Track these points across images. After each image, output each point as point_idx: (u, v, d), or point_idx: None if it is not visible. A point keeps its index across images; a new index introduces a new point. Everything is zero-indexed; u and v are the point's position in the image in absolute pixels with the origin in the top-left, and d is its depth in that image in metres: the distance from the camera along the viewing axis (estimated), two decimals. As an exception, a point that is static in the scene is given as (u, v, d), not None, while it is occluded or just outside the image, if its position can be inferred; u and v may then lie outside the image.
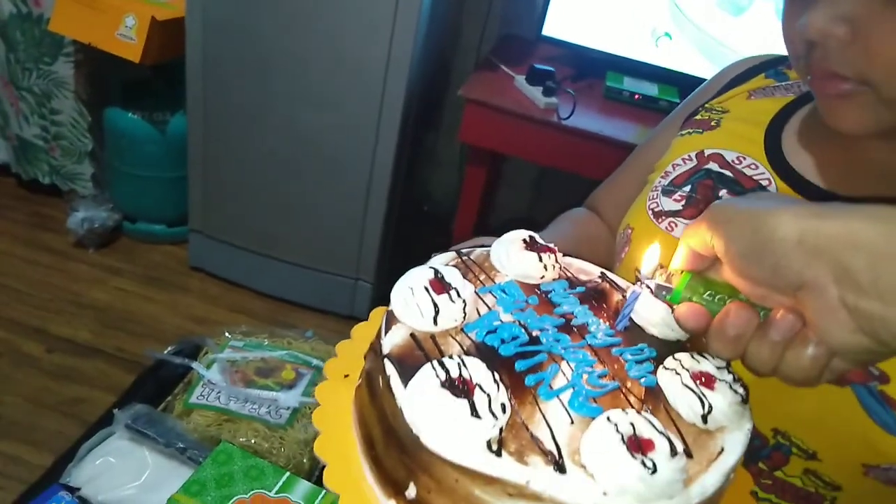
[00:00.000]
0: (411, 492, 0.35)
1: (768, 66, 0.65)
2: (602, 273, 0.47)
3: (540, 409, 0.36)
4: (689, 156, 0.61)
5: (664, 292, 0.38)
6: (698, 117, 0.64)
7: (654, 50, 1.68)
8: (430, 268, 0.41)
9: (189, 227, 1.96)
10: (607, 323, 0.42)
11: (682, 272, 0.38)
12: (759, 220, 0.33)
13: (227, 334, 1.01)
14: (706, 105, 0.65)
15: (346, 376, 0.43)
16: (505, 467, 0.33)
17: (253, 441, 0.86)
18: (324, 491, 0.69)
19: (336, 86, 1.61)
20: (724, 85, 0.65)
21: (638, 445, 0.33)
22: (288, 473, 0.69)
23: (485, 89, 1.59)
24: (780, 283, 0.33)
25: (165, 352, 0.99)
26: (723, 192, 0.56)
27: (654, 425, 0.34)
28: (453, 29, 1.97)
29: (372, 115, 1.61)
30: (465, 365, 0.35)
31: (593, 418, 0.35)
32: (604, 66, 1.71)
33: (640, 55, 1.69)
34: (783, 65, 0.63)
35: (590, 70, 1.71)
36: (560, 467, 0.33)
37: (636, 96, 1.64)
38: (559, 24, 1.70)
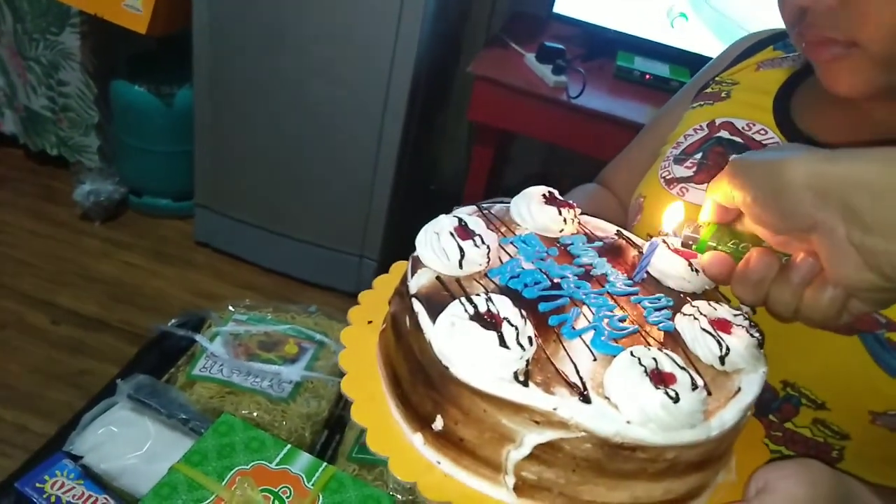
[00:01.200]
0: (438, 424, 0.37)
1: (776, 38, 0.66)
2: (618, 231, 0.49)
3: (564, 346, 0.37)
4: (701, 126, 0.62)
5: (691, 242, 0.40)
6: (709, 90, 0.65)
7: (667, 30, 1.66)
8: (455, 216, 0.42)
9: (195, 201, 1.96)
10: (625, 274, 0.44)
11: (708, 224, 0.40)
12: (773, 167, 0.35)
13: (230, 308, 1.01)
14: (716, 78, 0.65)
15: (370, 322, 0.44)
16: (532, 396, 0.34)
17: (255, 414, 0.86)
18: (324, 463, 0.69)
19: (344, 61, 1.59)
20: (734, 58, 0.66)
21: (661, 377, 0.34)
22: (289, 446, 0.69)
23: (494, 66, 1.58)
24: (795, 227, 0.35)
25: (169, 324, 0.99)
26: (733, 157, 0.56)
27: (675, 361, 0.35)
28: (463, 5, 1.94)
29: (379, 91, 1.60)
30: (492, 301, 0.36)
31: (615, 356, 0.36)
32: (615, 45, 1.68)
33: (652, 35, 1.67)
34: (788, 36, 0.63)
35: (601, 49, 1.69)
36: (585, 398, 0.34)
37: (647, 76, 1.62)
38: (571, 2, 1.68)
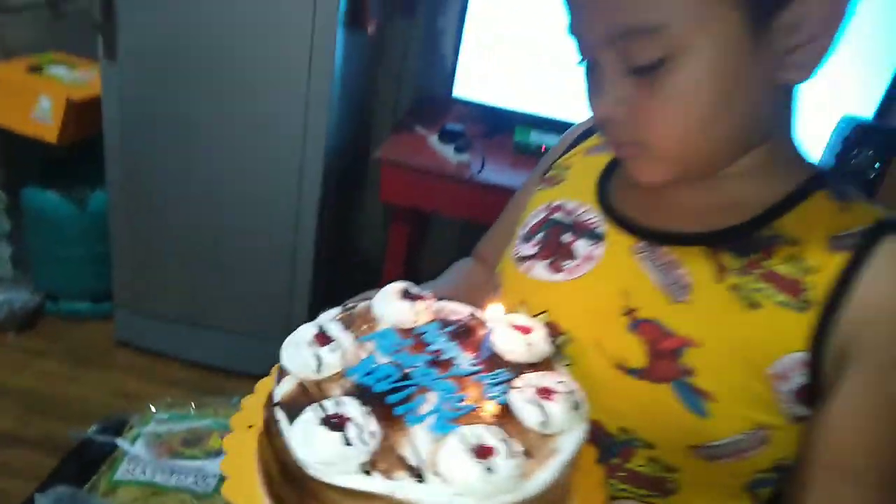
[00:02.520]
0: None
1: None
2: (471, 313, 0.54)
3: (407, 433, 0.42)
4: (542, 208, 0.70)
5: None
6: (549, 174, 0.74)
7: (558, 106, 1.81)
8: (316, 324, 0.48)
9: (115, 302, 1.94)
10: (473, 354, 0.49)
11: None
12: None
13: (151, 408, 1.02)
14: (555, 163, 0.75)
15: (251, 427, 0.48)
16: (374, 483, 0.39)
17: (180, 511, 0.87)
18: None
19: (255, 155, 1.66)
20: (570, 144, 0.76)
21: (482, 451, 0.39)
22: (211, 538, 0.71)
23: (400, 150, 1.68)
24: None
25: (89, 431, 0.99)
26: (565, 236, 0.66)
27: (495, 435, 0.40)
28: (370, 94, 2.06)
29: (292, 181, 1.67)
30: (340, 404, 0.41)
31: (447, 435, 0.41)
32: (512, 121, 1.82)
33: (545, 111, 1.82)
34: None
35: (500, 126, 1.82)
36: (420, 478, 0.39)
37: (543, 148, 1.75)
38: (469, 86, 1.82)
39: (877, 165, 1.65)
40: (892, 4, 1.59)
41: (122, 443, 0.95)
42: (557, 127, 1.80)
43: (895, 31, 1.61)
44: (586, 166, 0.70)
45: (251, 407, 0.50)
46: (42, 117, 1.71)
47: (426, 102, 2.00)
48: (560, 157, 0.75)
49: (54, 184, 1.90)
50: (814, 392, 0.54)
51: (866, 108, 1.67)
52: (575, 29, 0.54)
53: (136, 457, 0.93)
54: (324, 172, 1.66)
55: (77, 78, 1.81)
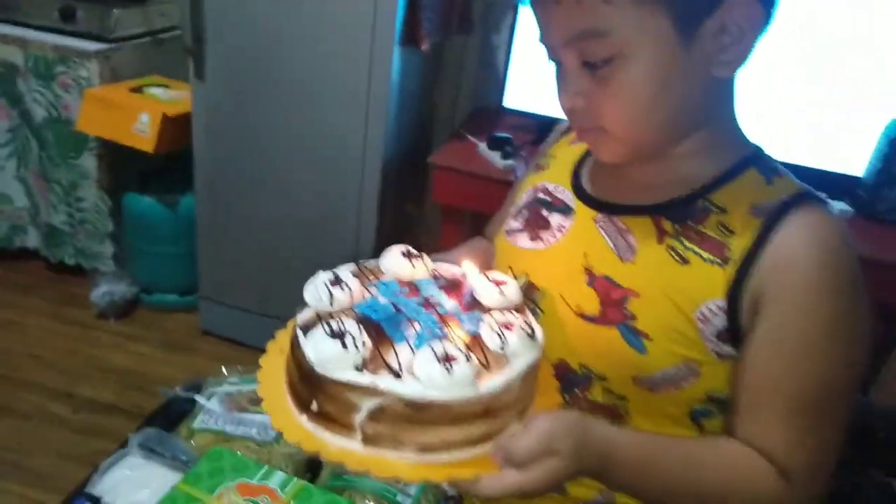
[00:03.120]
0: (314, 406, 0.55)
1: None
2: (463, 273, 0.67)
3: (393, 347, 0.56)
4: (530, 190, 0.83)
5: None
6: (540, 162, 0.87)
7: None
8: (331, 271, 0.63)
9: (199, 294, 2.17)
10: (457, 300, 0.63)
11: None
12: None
13: (224, 371, 1.19)
14: (546, 152, 0.87)
15: (282, 351, 0.63)
16: (364, 378, 0.53)
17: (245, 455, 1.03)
18: (294, 478, 0.86)
19: (321, 162, 1.84)
20: (557, 135, 0.88)
21: (446, 358, 0.52)
22: (266, 466, 0.86)
23: (452, 156, 1.82)
24: None
25: (176, 389, 1.17)
26: (544, 212, 0.78)
27: (459, 348, 0.54)
28: (429, 104, 2.22)
29: (354, 185, 1.84)
30: (342, 322, 0.55)
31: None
32: (558, 129, 1.93)
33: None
34: None
35: (545, 134, 1.92)
36: (397, 375, 0.53)
37: (587, 154, 1.85)
38: (518, 96, 1.94)
39: (925, 168, 1.66)
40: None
41: (200, 399, 1.13)
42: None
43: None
44: (568, 153, 0.82)
45: (282, 338, 0.66)
46: (141, 130, 1.96)
47: (480, 112, 2.14)
48: (549, 147, 0.87)
49: (151, 189, 2.16)
50: (733, 333, 0.64)
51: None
52: (543, 36, 0.66)
53: (211, 410, 1.10)
54: (382, 177, 1.82)
55: (172, 96, 2.05)
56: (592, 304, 0.69)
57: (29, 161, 2.22)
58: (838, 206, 1.71)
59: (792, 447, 0.63)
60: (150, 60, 2.22)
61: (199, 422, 1.08)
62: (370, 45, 1.67)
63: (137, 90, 2.06)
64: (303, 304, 0.61)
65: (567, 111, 0.67)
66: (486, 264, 0.77)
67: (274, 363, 0.63)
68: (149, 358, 2.10)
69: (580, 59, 0.62)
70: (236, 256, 2.06)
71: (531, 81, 1.91)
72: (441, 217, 1.96)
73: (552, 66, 0.68)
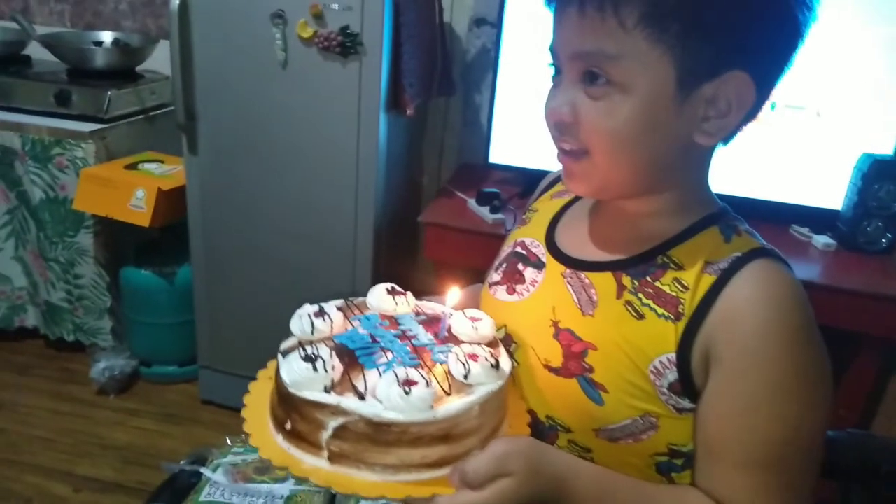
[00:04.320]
0: (288, 425, 0.60)
1: None
2: (443, 310, 0.72)
3: (363, 373, 0.61)
4: (511, 244, 0.86)
5: None
6: (525, 216, 0.90)
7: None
8: (318, 305, 0.68)
9: (199, 364, 2.17)
10: (433, 333, 0.67)
11: None
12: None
13: (228, 442, 1.20)
14: (529, 207, 0.90)
15: (270, 378, 0.68)
16: (330, 399, 0.57)
17: (252, 524, 1.03)
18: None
19: (313, 229, 1.88)
20: (541, 190, 0.92)
21: (407, 382, 0.57)
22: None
23: (441, 213, 1.86)
24: None
25: (180, 463, 1.18)
26: (520, 266, 0.81)
27: (421, 374, 0.58)
28: (417, 165, 2.28)
29: (348, 248, 1.88)
30: (315, 348, 0.60)
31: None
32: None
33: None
34: None
35: (532, 186, 1.97)
36: (361, 396, 0.58)
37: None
38: (503, 152, 2.00)
39: (900, 199, 1.71)
40: None
41: (205, 471, 1.13)
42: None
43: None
44: (548, 209, 0.85)
45: (272, 366, 0.71)
46: (138, 206, 2.00)
47: (466, 169, 2.20)
48: (534, 201, 0.91)
49: (148, 262, 2.18)
50: (688, 387, 0.66)
51: (885, 146, 1.74)
52: (553, 44, 0.66)
53: (217, 483, 1.11)
54: (374, 238, 1.86)
55: (166, 171, 2.11)
56: (556, 357, 0.71)
57: (27, 241, 2.26)
58: (822, 239, 1.76)
59: (754, 499, 0.63)
60: (143, 137, 2.29)
61: (205, 495, 1.08)
62: (357, 113, 1.74)
63: (132, 167, 2.11)
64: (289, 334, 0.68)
65: (553, 124, 0.68)
66: (477, 306, 0.81)
67: (261, 388, 0.69)
68: (150, 432, 2.09)
69: (583, 69, 0.63)
70: (234, 324, 2.08)
71: (515, 137, 1.98)
72: (434, 273, 2.00)
73: (549, 73, 0.69)
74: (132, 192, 2.00)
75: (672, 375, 0.66)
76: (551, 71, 0.69)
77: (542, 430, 0.74)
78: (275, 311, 2.04)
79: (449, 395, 0.59)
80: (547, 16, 0.67)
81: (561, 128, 0.67)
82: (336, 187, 1.83)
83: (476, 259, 1.93)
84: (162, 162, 2.16)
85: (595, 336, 0.70)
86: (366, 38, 1.66)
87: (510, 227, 1.77)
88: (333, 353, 0.60)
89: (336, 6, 1.65)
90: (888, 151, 1.74)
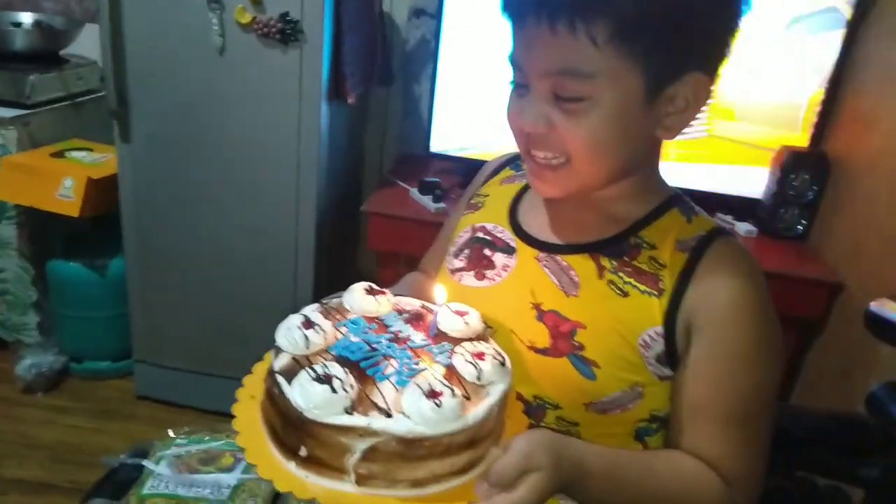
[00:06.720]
0: (303, 451, 0.56)
1: (511, 161, 0.93)
2: (422, 304, 0.72)
3: (377, 386, 0.58)
4: (467, 229, 0.88)
5: None
6: (473, 201, 0.92)
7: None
8: (301, 314, 0.64)
9: (134, 358, 2.11)
10: (423, 333, 0.66)
11: None
12: None
13: (171, 433, 1.18)
14: (477, 192, 0.92)
15: (253, 397, 0.64)
16: (356, 420, 0.54)
17: (200, 516, 1.02)
18: (254, 534, 0.86)
19: (254, 218, 1.86)
20: (487, 175, 0.94)
21: (433, 394, 0.55)
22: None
23: (384, 203, 1.87)
24: None
25: (121, 457, 1.15)
26: (486, 251, 0.83)
27: (443, 383, 0.57)
28: (358, 155, 2.28)
29: (290, 237, 1.86)
30: (326, 367, 0.57)
31: (407, 386, 0.57)
32: (484, 171, 2.01)
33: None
34: (519, 160, 0.91)
35: (472, 174, 2.00)
36: (388, 414, 0.55)
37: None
38: (443, 141, 2.02)
39: (814, 188, 1.83)
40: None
41: (148, 464, 1.11)
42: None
43: (816, 66, 1.81)
44: (501, 194, 0.88)
45: (251, 383, 0.67)
46: (66, 195, 1.92)
47: (408, 159, 2.21)
48: (481, 186, 0.93)
49: (77, 254, 2.10)
50: (670, 356, 0.72)
51: (802, 138, 1.86)
52: (519, 60, 0.68)
53: (161, 475, 1.09)
54: (316, 227, 1.85)
55: (96, 159, 2.02)
56: (543, 338, 0.75)
57: (-57, 234, 2.13)
58: (744, 227, 1.87)
59: (734, 456, 0.71)
60: (69, 124, 2.18)
61: (148, 488, 1.06)
62: (298, 102, 1.72)
63: (58, 154, 2.02)
64: (275, 349, 0.63)
65: (524, 134, 0.70)
66: (428, 296, 0.82)
67: (248, 411, 0.63)
68: (82, 429, 2.02)
69: (555, 90, 0.65)
70: (171, 317, 2.03)
71: (455, 127, 2.00)
72: (376, 262, 2.00)
73: (510, 86, 0.71)
74: (59, 181, 1.92)
75: (659, 347, 0.72)
76: (511, 78, 0.71)
77: (529, 409, 0.76)
78: (213, 303, 2.01)
79: (469, 399, 0.58)
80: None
81: (535, 140, 0.70)
82: (276, 177, 1.81)
83: (419, 248, 1.92)
84: (91, 150, 2.08)
85: (583, 315, 0.73)
86: (306, 25, 1.64)
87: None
88: (347, 370, 0.56)
89: (275, -8, 1.63)
90: (804, 144, 1.86)
